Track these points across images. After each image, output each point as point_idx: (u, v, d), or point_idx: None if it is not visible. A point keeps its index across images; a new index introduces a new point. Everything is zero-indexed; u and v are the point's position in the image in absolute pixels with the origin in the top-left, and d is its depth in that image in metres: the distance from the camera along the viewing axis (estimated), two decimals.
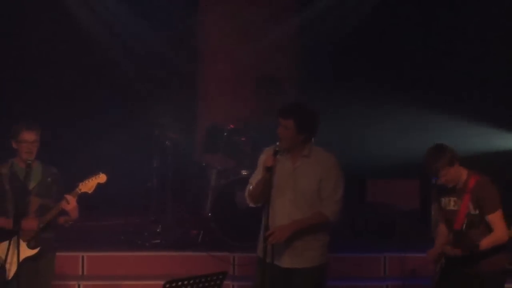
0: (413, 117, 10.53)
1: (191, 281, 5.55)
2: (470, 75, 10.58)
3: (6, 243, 6.73)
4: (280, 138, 6.28)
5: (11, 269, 6.74)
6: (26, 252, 6.78)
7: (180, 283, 5.49)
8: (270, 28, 10.28)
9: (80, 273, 8.51)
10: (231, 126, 9.28)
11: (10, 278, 6.74)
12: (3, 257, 6.73)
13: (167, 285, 5.44)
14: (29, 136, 6.83)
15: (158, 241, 9.08)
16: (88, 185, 6.84)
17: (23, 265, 6.74)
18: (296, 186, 6.28)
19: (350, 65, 10.81)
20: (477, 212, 6.32)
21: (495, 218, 6.30)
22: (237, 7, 10.36)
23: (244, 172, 8.89)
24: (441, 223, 6.63)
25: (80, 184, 6.82)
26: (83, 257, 8.55)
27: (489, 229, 6.32)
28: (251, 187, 6.41)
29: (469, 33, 10.71)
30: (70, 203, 6.75)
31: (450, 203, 6.47)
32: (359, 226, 9.96)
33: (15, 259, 6.70)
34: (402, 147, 10.28)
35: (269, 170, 6.19)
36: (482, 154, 9.88)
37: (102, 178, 6.88)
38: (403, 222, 9.50)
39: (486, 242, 6.24)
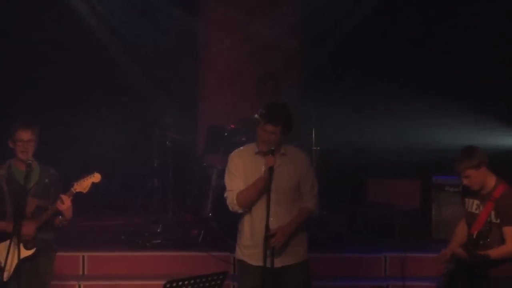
0: (413, 117, 10.53)
1: (192, 281, 5.55)
2: (470, 75, 10.58)
3: (3, 244, 6.72)
4: (263, 142, 6.29)
5: (9, 270, 6.72)
6: (23, 252, 6.74)
7: (180, 283, 5.49)
8: (270, 28, 10.28)
9: (81, 273, 8.49)
10: (231, 126, 9.28)
11: (7, 279, 6.72)
12: (1, 259, 6.71)
13: (168, 285, 5.43)
14: (25, 135, 6.78)
15: (159, 241, 9.06)
16: (83, 185, 6.79)
17: (21, 265, 6.72)
18: (278, 185, 6.29)
19: (350, 65, 10.81)
20: (498, 221, 6.30)
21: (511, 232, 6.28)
22: (237, 7, 10.36)
23: None
24: (463, 222, 6.62)
25: (75, 183, 6.78)
26: (83, 257, 8.53)
27: (503, 239, 6.29)
28: (236, 193, 6.37)
29: (469, 33, 10.71)
30: (65, 203, 6.70)
31: (473, 205, 6.47)
32: (359, 226, 9.97)
33: (13, 260, 6.69)
34: (403, 147, 10.29)
35: (271, 170, 6.21)
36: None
37: (96, 177, 6.82)
38: (403, 222, 9.49)
39: (495, 254, 6.22)
